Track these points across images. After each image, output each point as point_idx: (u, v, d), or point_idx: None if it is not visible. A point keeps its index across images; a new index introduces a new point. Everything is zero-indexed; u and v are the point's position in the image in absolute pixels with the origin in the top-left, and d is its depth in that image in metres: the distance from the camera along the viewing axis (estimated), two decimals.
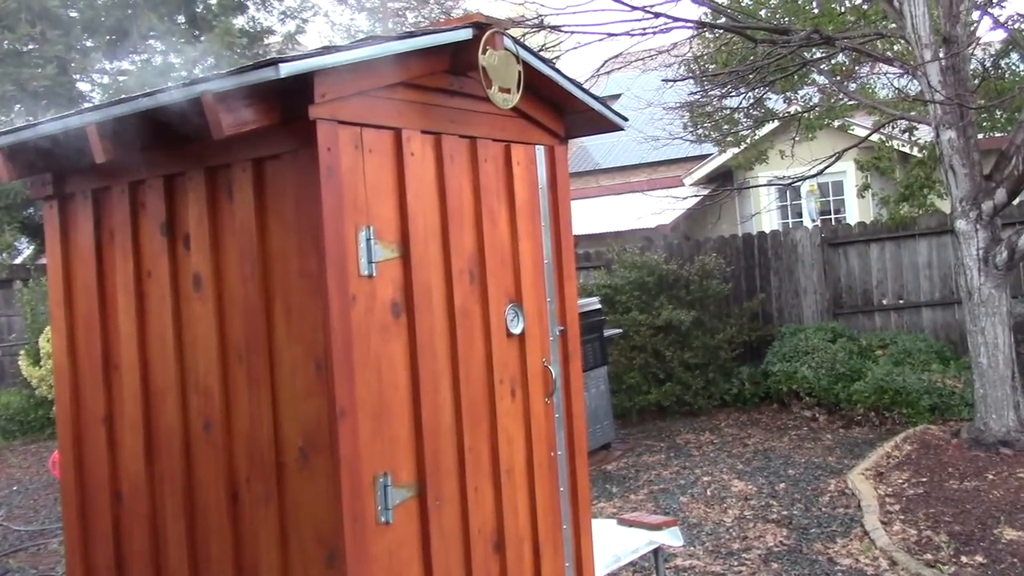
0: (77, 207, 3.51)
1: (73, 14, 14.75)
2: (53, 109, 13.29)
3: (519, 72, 3.40)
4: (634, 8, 7.78)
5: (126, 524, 3.40)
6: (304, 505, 2.87)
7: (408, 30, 3.51)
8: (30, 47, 14.37)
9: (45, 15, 13.92)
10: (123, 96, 2.85)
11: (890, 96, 12.45)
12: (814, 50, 9.92)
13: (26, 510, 9.09)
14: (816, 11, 11.05)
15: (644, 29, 8.01)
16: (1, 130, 3.24)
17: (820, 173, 11.14)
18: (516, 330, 3.58)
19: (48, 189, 3.53)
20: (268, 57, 2.81)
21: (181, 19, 15.60)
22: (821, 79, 11.96)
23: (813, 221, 15.19)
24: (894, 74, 11.78)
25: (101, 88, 15.49)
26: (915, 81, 9.70)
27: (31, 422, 13.16)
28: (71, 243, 3.55)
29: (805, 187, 14.78)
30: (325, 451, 2.79)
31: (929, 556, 5.90)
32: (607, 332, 9.88)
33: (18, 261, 17.39)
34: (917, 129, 11.85)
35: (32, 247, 16.49)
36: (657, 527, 4.94)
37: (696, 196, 15.43)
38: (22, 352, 12.64)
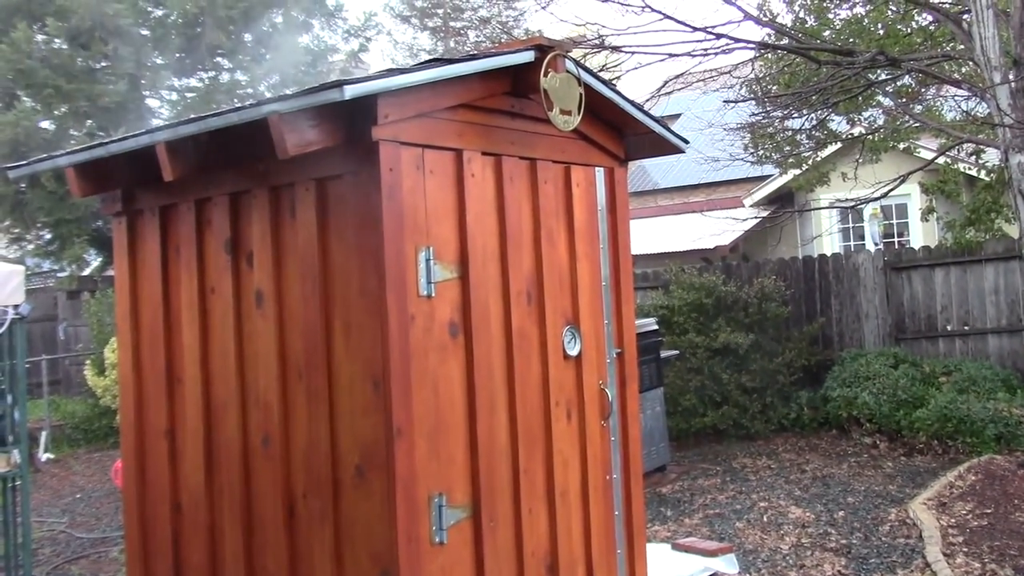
0: (145, 223, 3.59)
1: (144, 32, 15.12)
2: (124, 126, 13.63)
3: (580, 94, 3.41)
4: (696, 29, 7.76)
5: (185, 536, 3.46)
6: (359, 522, 2.89)
7: (471, 51, 3.54)
8: (102, 64, 14.75)
9: (118, 33, 14.28)
10: (192, 115, 2.91)
11: (957, 118, 12.23)
12: (879, 72, 9.79)
13: (88, 517, 9.27)
14: (881, 32, 10.90)
15: (705, 50, 7.99)
16: (74, 148, 3.33)
17: (884, 196, 10.97)
18: (573, 352, 3.57)
19: (117, 205, 3.62)
20: (332, 76, 2.85)
21: (248, 37, 15.90)
22: (886, 101, 11.79)
23: (876, 244, 14.95)
24: (961, 96, 11.56)
25: (169, 104, 15.84)
26: (983, 103, 9.52)
27: (95, 431, 13.43)
28: (138, 258, 3.64)
29: (868, 210, 14.54)
30: (381, 469, 2.81)
31: None
32: (664, 353, 9.81)
33: (86, 273, 17.80)
34: (984, 152, 11.62)
35: (100, 259, 16.87)
36: (712, 553, 4.88)
37: (756, 217, 15.27)
38: (88, 362, 12.92)
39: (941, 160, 12.05)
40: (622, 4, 8.31)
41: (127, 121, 13.89)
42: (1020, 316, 10.68)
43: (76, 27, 14.03)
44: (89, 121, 14.41)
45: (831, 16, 11.50)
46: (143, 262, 3.62)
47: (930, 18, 10.38)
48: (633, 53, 8.21)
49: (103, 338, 12.96)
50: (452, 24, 29.01)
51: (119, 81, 14.24)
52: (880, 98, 11.72)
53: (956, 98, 12.04)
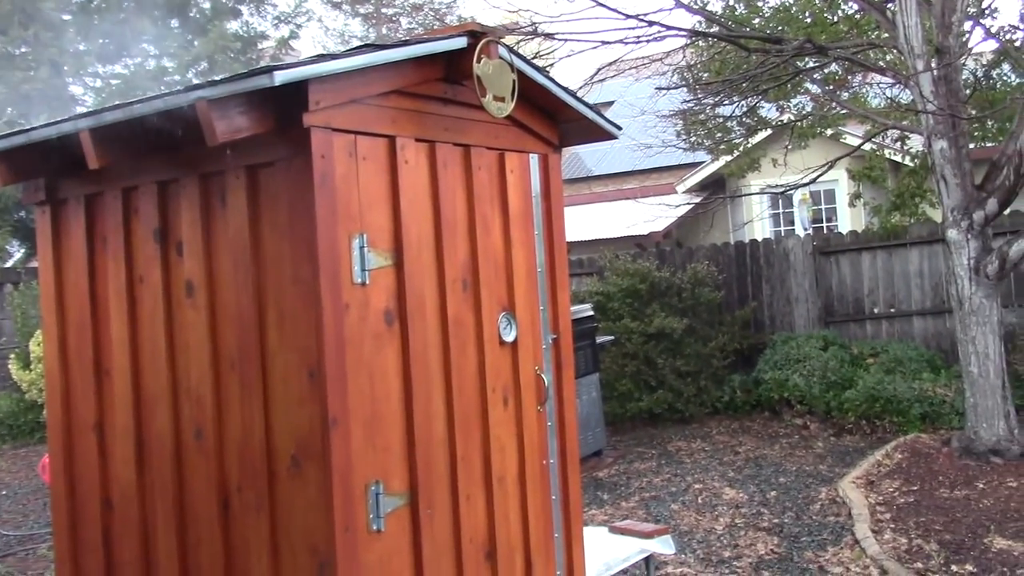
0: (70, 212, 3.50)
1: (66, 17, 14.72)
2: (45, 113, 13.27)
3: (513, 81, 3.41)
4: (628, 16, 7.78)
5: (117, 532, 3.39)
6: (295, 513, 2.86)
7: (403, 38, 3.52)
8: (23, 50, 14.34)
9: (38, 18, 13.89)
10: (117, 102, 2.84)
11: (882, 105, 12.49)
12: (807, 59, 9.95)
13: (15, 514, 9.04)
14: (809, 21, 11.08)
15: (638, 37, 8.02)
16: None
17: (812, 182, 11.17)
18: (509, 338, 3.58)
19: (41, 194, 3.52)
20: (261, 62, 2.81)
21: (175, 23, 15.58)
22: (814, 88, 11.99)
23: (805, 229, 15.22)
24: (886, 84, 11.81)
25: (94, 91, 15.47)
26: (907, 91, 9.73)
27: (20, 426, 13.10)
28: (63, 248, 3.54)
29: (797, 195, 14.80)
30: (317, 459, 2.79)
31: (919, 565, 5.90)
32: (599, 339, 9.87)
33: (9, 264, 17.33)
34: (909, 138, 11.89)
35: (23, 250, 16.44)
36: (648, 535, 4.93)
37: (688, 204, 15.44)
38: (12, 356, 12.59)
39: (867, 146, 12.30)
40: None
41: (49, 108, 13.52)
42: (943, 298, 10.97)
43: None
44: (9, 108, 14.00)
45: (760, 4, 11.65)
46: (68, 252, 3.53)
47: (856, 7, 10.57)
48: (566, 40, 8.20)
49: (28, 331, 12.63)
50: (384, 11, 28.77)
51: (40, 67, 13.85)
52: (808, 85, 11.91)
53: (881, 85, 12.31)
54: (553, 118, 3.95)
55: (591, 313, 9.63)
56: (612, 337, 10.52)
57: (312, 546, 2.82)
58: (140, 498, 3.29)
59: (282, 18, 17.38)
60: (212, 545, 3.07)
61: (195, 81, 13.57)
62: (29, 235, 14.46)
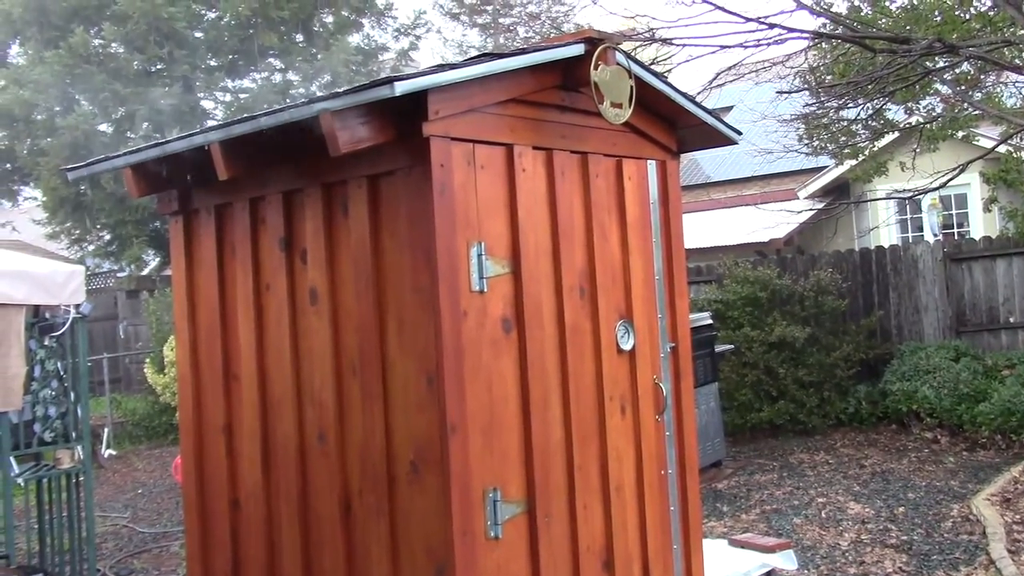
0: (201, 222, 3.64)
1: (198, 35, 15.33)
2: (178, 127, 13.84)
3: (631, 87, 3.38)
4: (748, 19, 7.64)
5: (243, 531, 3.50)
6: (414, 518, 2.90)
7: (520, 46, 3.53)
8: (158, 67, 14.99)
9: (172, 36, 14.50)
10: (245, 115, 2.94)
11: (1018, 105, 11.95)
12: (937, 59, 9.59)
13: (150, 512, 9.43)
14: (939, 19, 10.68)
15: (758, 41, 7.86)
16: (130, 149, 3.38)
17: (943, 186, 10.74)
18: (627, 346, 3.55)
19: (174, 205, 3.67)
20: (382, 74, 2.87)
21: (299, 38, 16.04)
22: (944, 89, 11.55)
23: (935, 235, 14.67)
24: (1023, 83, 11.30)
25: (223, 106, 16.05)
26: None
27: (155, 427, 13.68)
28: (195, 257, 3.68)
29: (927, 200, 14.27)
30: (436, 465, 2.82)
31: None
32: (718, 348, 9.72)
33: (145, 272, 18.12)
34: None
35: (158, 259, 17.14)
36: (770, 549, 4.83)
37: (811, 210, 15.05)
38: (147, 360, 13.14)
39: (1002, 148, 11.77)
40: None
41: (182, 123, 14.10)
42: None
43: (132, 31, 14.28)
44: (145, 123, 14.65)
45: (887, 3, 11.29)
46: (200, 261, 3.67)
47: (989, 3, 10.15)
48: (684, 46, 8.11)
49: (162, 336, 13.17)
50: (501, 20, 29.03)
51: (174, 84, 14.46)
52: (938, 86, 11.47)
53: (1017, 84, 11.77)
54: (671, 124, 3.91)
55: (710, 321, 9.48)
56: (731, 346, 10.33)
57: (430, 550, 2.85)
58: (266, 498, 3.39)
59: (402, 30, 17.72)
60: (333, 546, 3.13)
61: (319, 94, 13.95)
62: (164, 244, 15.08)
